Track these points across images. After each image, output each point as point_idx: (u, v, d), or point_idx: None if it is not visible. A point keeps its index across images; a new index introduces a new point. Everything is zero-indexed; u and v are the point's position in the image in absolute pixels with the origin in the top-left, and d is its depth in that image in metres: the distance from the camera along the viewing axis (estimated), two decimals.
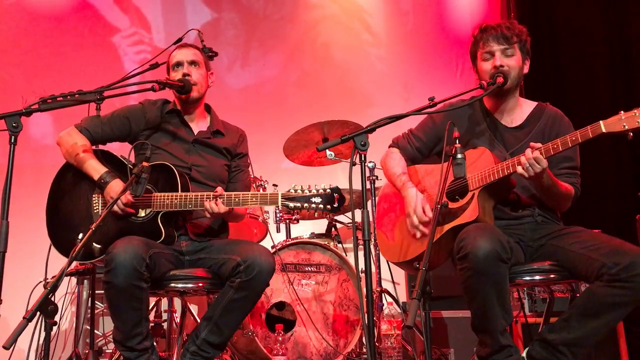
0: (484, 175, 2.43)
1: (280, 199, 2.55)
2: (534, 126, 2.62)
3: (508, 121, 2.66)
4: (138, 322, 2.45)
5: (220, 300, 2.54)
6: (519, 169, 2.32)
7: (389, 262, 3.19)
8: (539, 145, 2.31)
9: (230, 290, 2.52)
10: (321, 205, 2.53)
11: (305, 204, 2.53)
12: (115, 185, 2.65)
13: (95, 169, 2.71)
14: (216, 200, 2.59)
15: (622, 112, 2.17)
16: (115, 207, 2.59)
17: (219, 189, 2.65)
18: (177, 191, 2.65)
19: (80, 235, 2.33)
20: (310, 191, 2.55)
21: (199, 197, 2.61)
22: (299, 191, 2.55)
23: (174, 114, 2.95)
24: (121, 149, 2.87)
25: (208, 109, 3.07)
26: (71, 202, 2.78)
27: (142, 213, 2.68)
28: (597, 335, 2.24)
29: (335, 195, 2.53)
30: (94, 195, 2.76)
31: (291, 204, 2.54)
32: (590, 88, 4.93)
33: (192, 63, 2.90)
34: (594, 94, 4.89)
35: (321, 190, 2.54)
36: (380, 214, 2.84)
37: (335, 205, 2.53)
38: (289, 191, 2.56)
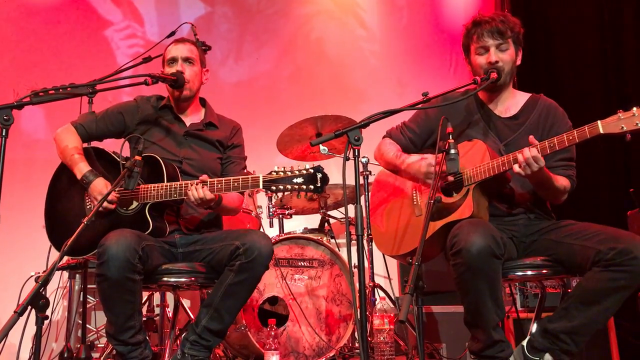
0: (479, 171, 2.43)
1: (261, 181, 2.49)
2: (527, 117, 2.61)
3: (502, 111, 2.65)
4: (131, 315, 2.44)
5: (219, 285, 2.52)
6: (516, 167, 2.30)
7: (384, 255, 3.20)
8: (536, 142, 2.28)
9: (230, 274, 2.50)
10: (304, 186, 2.45)
11: (288, 185, 2.46)
12: (98, 184, 2.65)
13: (80, 169, 2.70)
14: (199, 186, 2.55)
15: (620, 111, 2.08)
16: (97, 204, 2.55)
17: (204, 176, 2.62)
18: (164, 182, 2.64)
19: None
20: (292, 172, 2.47)
21: (183, 185, 2.60)
22: (281, 173, 2.48)
23: (167, 109, 2.95)
24: (115, 146, 2.85)
25: (203, 102, 3.05)
26: (67, 202, 2.79)
27: (132, 206, 2.68)
28: (598, 322, 2.25)
29: (318, 174, 2.45)
30: (86, 194, 2.75)
31: (273, 187, 2.47)
32: (583, 81, 4.93)
33: (187, 60, 2.88)
34: (587, 87, 4.89)
35: (303, 171, 2.47)
36: (375, 205, 2.83)
37: (318, 185, 2.45)
38: (270, 173, 2.50)
